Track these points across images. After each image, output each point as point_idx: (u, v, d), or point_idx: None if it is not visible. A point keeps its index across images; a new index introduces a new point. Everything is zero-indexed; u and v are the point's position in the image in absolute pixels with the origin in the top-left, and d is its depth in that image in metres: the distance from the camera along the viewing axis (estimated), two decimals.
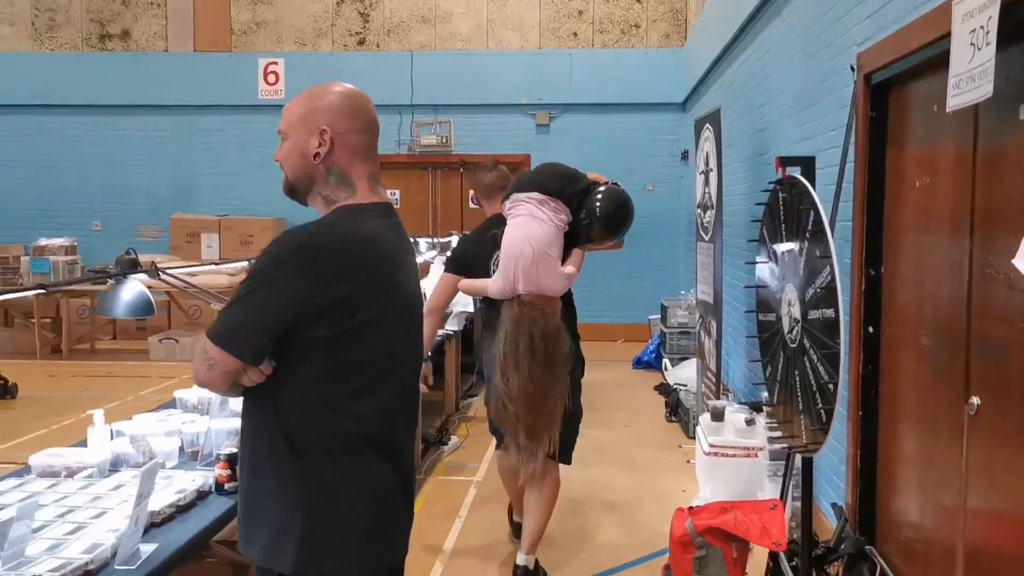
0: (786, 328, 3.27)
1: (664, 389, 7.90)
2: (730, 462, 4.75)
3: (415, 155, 11.31)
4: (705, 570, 3.56)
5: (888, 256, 3.61)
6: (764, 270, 3.66)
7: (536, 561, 3.97)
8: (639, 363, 9.24)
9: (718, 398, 5.56)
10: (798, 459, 4.18)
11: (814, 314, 2.95)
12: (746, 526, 3.60)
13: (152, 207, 11.50)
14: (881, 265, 3.65)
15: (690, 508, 3.82)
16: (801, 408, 3.08)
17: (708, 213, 5.86)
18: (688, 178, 10.48)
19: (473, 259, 4.06)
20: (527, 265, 3.53)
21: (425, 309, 3.35)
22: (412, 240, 2.75)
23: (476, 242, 4.14)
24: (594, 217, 3.63)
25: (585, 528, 4.70)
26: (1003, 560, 2.62)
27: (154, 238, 11.39)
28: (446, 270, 4.17)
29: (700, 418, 5.26)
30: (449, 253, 4.74)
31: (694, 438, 6.23)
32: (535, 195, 3.61)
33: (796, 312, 3.16)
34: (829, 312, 2.81)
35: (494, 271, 3.77)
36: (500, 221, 3.79)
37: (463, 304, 6.16)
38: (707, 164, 6.10)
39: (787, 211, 3.34)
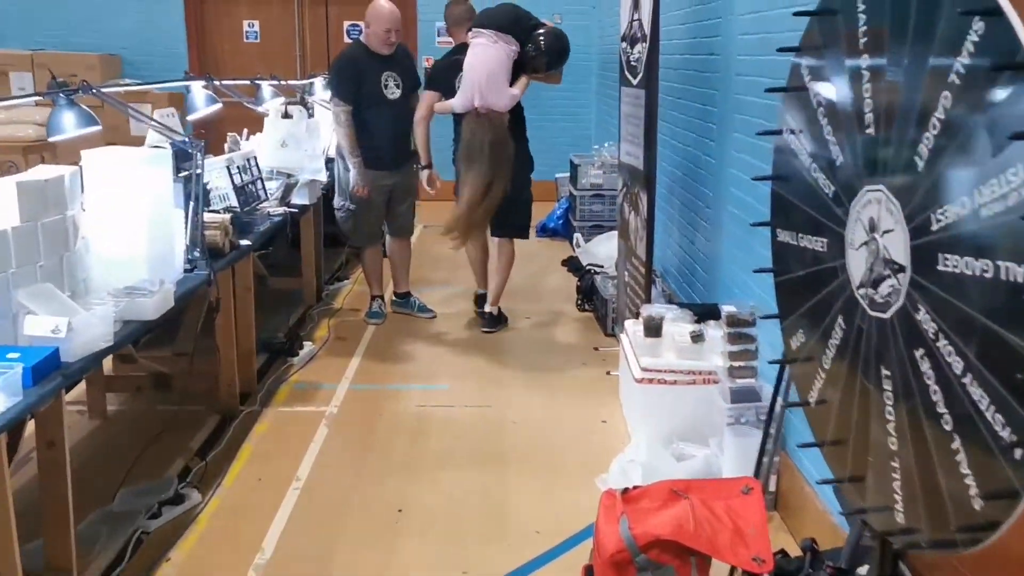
0: (860, 279, 1.80)
1: (574, 266, 6.61)
2: (671, 392, 3.51)
3: None
4: None
5: None
6: (802, 139, 2.21)
7: (499, 308, 5.34)
8: (543, 230, 7.90)
9: (647, 295, 4.28)
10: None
11: (975, 265, 1.38)
12: (710, 532, 2.36)
13: None
14: None
15: (624, 492, 2.55)
16: (898, 453, 1.71)
17: (637, 48, 4.39)
18: (604, 7, 8.87)
19: (442, 79, 5.04)
20: (482, 84, 4.66)
21: (415, 120, 4.98)
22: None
23: (444, 65, 5.20)
24: (538, 51, 4.80)
25: (474, 501, 3.43)
26: None
27: None
28: (426, 88, 5.14)
29: (626, 327, 3.97)
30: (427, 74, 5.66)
31: (613, 336, 5.00)
32: (491, 31, 4.70)
33: (901, 249, 1.62)
34: None
35: (458, 88, 4.82)
36: (463, 49, 4.90)
37: (311, 172, 4.64)
38: None
39: None
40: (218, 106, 4.18)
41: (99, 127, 3.04)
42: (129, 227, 2.67)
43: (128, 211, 2.68)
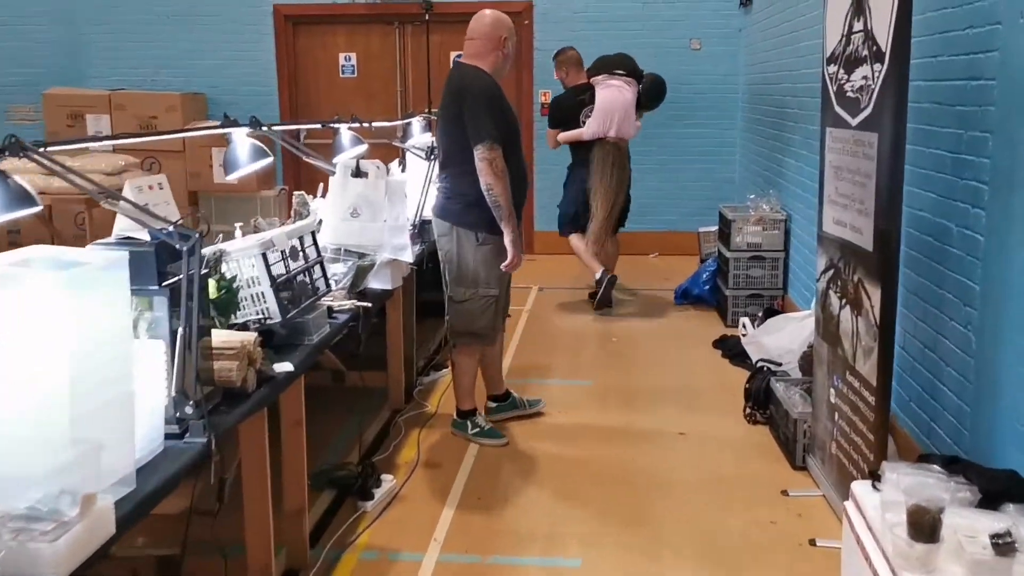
0: None
1: (730, 350, 5.20)
2: None
3: (376, 3, 8.29)
4: None
5: None
6: None
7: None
8: (685, 296, 6.49)
9: (880, 445, 2.84)
10: None
11: None
12: None
13: (26, 79, 8.57)
14: None
15: None
16: None
17: (860, 72, 2.99)
18: (752, 31, 7.48)
19: (570, 115, 6.33)
20: (620, 118, 6.17)
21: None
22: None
23: (573, 103, 6.36)
24: (644, 94, 6.38)
25: None
26: None
27: (32, 120, 8.52)
28: (551, 125, 6.51)
29: (855, 494, 2.54)
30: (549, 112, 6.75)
31: (804, 469, 3.59)
32: (624, 75, 6.29)
33: None
34: None
35: (583, 123, 6.23)
36: (585, 88, 6.34)
37: (395, 249, 3.38)
38: None
39: None
40: (268, 161, 3.00)
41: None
42: (22, 398, 1.46)
43: (24, 369, 1.47)
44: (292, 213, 4.11)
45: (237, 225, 3.91)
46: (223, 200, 8.16)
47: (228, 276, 2.54)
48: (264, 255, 2.56)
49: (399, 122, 5.44)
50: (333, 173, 3.13)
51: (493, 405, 4.21)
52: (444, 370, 4.90)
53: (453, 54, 8.32)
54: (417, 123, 5.53)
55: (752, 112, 7.43)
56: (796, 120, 5.67)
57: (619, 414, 4.37)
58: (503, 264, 3.72)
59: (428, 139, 5.40)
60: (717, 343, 5.43)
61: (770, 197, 5.95)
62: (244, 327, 2.44)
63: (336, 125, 4.19)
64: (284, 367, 2.46)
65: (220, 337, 2.20)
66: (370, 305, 3.11)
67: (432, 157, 4.31)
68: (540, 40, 8.18)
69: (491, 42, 3.74)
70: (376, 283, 3.43)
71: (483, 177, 3.59)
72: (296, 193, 4.11)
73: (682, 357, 5.28)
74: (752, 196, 6.15)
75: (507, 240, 3.67)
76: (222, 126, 3.15)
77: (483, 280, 3.79)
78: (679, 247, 8.08)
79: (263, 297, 2.56)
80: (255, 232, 3.54)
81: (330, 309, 3.03)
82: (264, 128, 3.15)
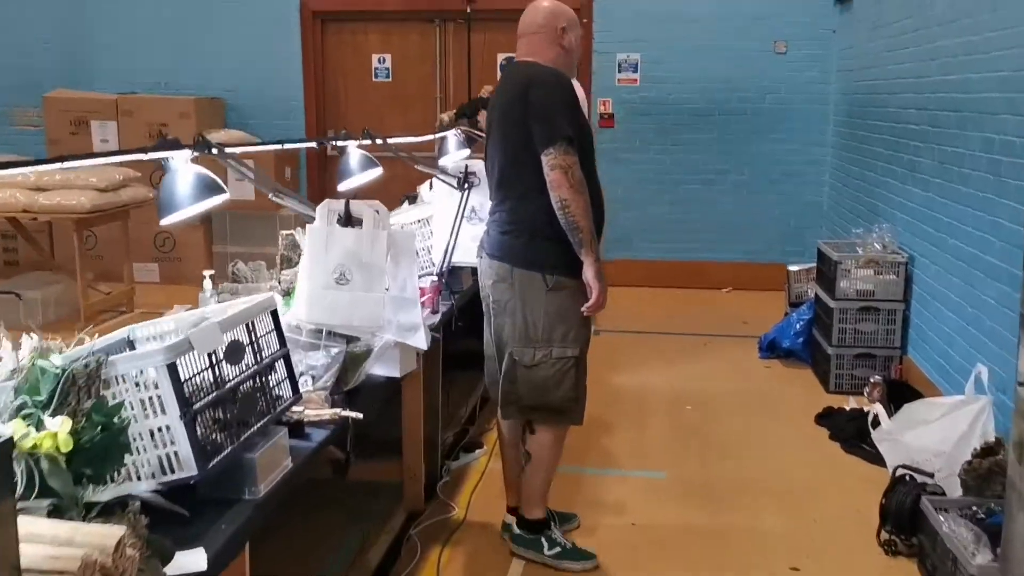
0: None
1: (839, 428, 4.12)
2: None
3: None
4: None
5: None
6: None
7: None
8: (771, 349, 5.39)
9: None
10: None
11: None
12: None
13: (29, 80, 7.74)
14: None
15: None
16: None
17: None
18: (847, 30, 6.36)
19: None
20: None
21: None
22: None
23: None
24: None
25: None
26: None
27: (36, 126, 7.68)
28: None
29: None
30: None
31: None
32: None
33: None
34: None
35: None
36: None
37: (403, 328, 2.32)
38: None
39: None
40: (377, 172, 2.04)
41: None
42: None
43: None
44: (279, 260, 3.13)
45: (207, 284, 2.96)
46: (240, 218, 7.26)
47: (111, 400, 1.55)
48: (173, 365, 1.56)
49: (425, 137, 4.42)
50: (311, 219, 2.10)
51: (515, 529, 3.12)
52: (478, 451, 3.88)
53: (500, 56, 7.33)
54: (453, 138, 4.53)
55: (849, 127, 6.30)
56: (924, 139, 4.55)
57: (705, 532, 3.30)
58: (585, 305, 2.76)
59: (464, 156, 4.40)
60: (821, 419, 4.33)
61: (882, 233, 4.83)
62: (119, 505, 1.44)
63: (342, 142, 3.21)
64: (190, 564, 1.45)
65: (42, 545, 1.20)
66: (361, 416, 2.09)
67: (467, 186, 3.29)
68: (600, 43, 7.14)
69: (548, 35, 2.87)
70: (379, 369, 2.41)
71: (556, 190, 2.66)
72: (285, 234, 3.13)
73: (778, 437, 4.19)
74: (859, 231, 5.04)
75: (588, 273, 2.73)
76: (157, 147, 2.17)
77: (559, 336, 2.82)
78: (757, 281, 6.98)
79: (167, 436, 1.56)
80: (217, 299, 2.57)
81: (300, 424, 2.02)
82: (213, 151, 2.15)
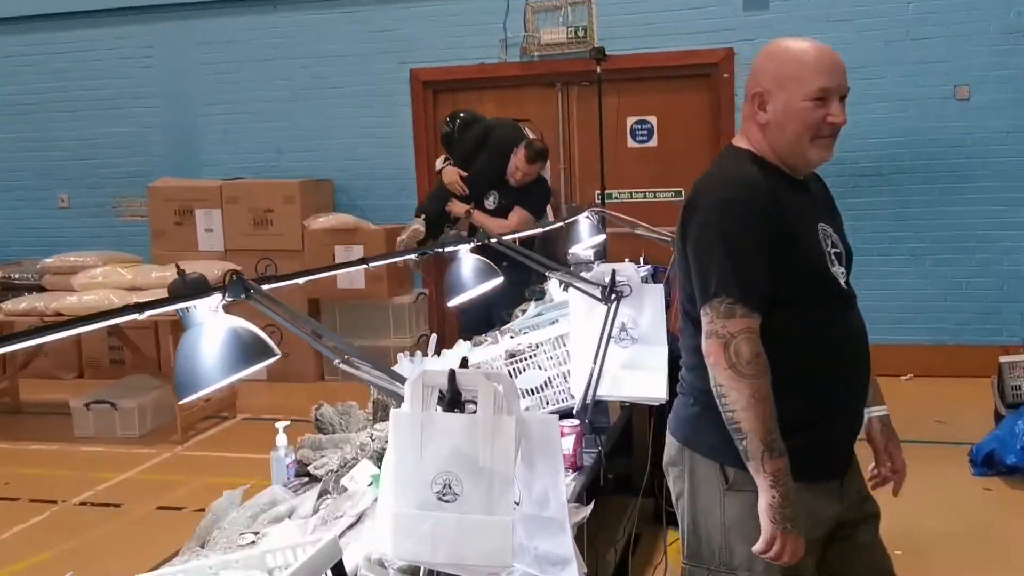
0: None
1: None
2: None
3: (532, 62, 6.65)
4: None
5: None
6: None
7: None
8: (988, 464, 4.31)
9: None
10: None
11: None
12: None
13: (137, 170, 7.44)
14: None
15: None
16: None
17: None
18: None
19: None
20: None
21: None
22: None
23: None
24: None
25: None
26: None
27: (143, 216, 7.33)
28: None
29: None
30: None
31: None
32: None
33: None
34: None
35: None
36: None
37: (543, 562, 1.55)
38: None
39: None
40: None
41: None
42: None
43: None
44: (372, 407, 2.39)
45: (280, 439, 2.27)
46: (349, 308, 6.67)
47: None
48: None
49: (545, 228, 3.61)
50: (397, 402, 1.35)
51: None
52: None
53: (631, 120, 6.56)
54: (586, 223, 3.74)
55: None
56: None
57: None
58: (755, 546, 1.80)
59: (598, 243, 3.60)
60: None
61: None
62: None
63: (449, 247, 2.46)
64: None
65: None
66: None
67: (614, 297, 2.48)
68: (742, 98, 6.28)
69: (749, 99, 1.95)
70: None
71: (712, 368, 1.79)
72: (304, 441, 2.39)
73: None
74: None
75: (761, 502, 1.77)
76: (174, 290, 1.45)
77: (739, 560, 1.87)
78: (946, 366, 5.90)
79: None
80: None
81: None
82: (251, 294, 1.43)
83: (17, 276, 5.80)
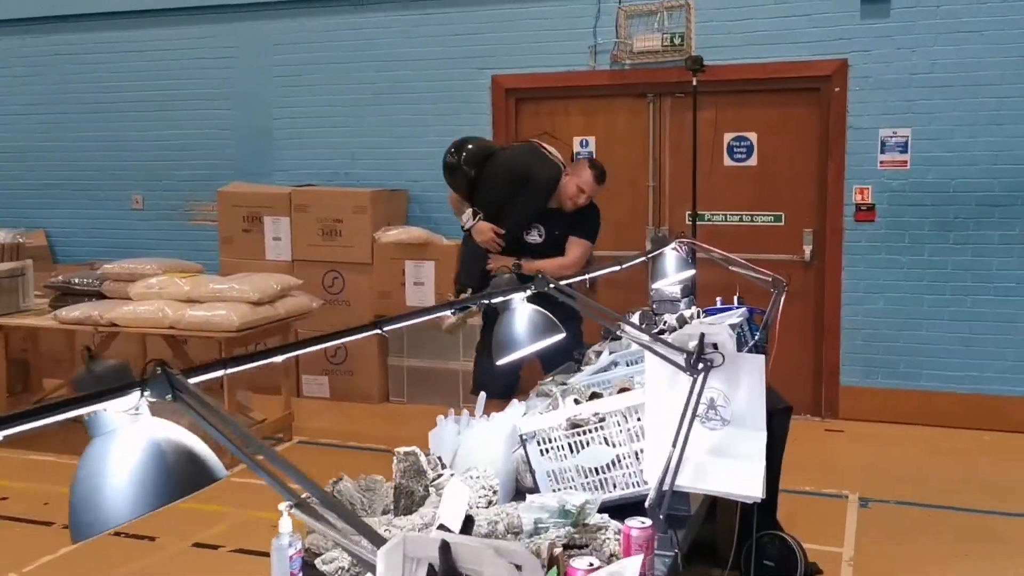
0: None
1: None
2: None
3: (623, 70, 6.16)
4: None
5: None
6: None
7: None
8: None
9: None
10: None
11: None
12: None
13: (209, 173, 7.22)
14: None
15: None
16: None
17: None
18: None
19: None
20: None
21: None
22: None
23: None
24: None
25: None
26: None
27: (214, 222, 7.10)
28: None
29: None
30: None
31: None
32: None
33: None
34: None
35: None
36: None
37: None
38: None
39: None
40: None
41: None
42: None
43: None
44: (395, 493, 1.95)
45: (284, 523, 1.86)
46: (417, 330, 6.30)
47: None
48: None
49: (623, 266, 3.06)
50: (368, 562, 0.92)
51: None
52: None
53: (728, 136, 6.01)
54: (672, 257, 3.24)
55: None
56: None
57: None
58: None
59: (688, 278, 3.10)
60: None
61: None
62: None
63: (498, 298, 2.02)
64: None
65: None
66: None
67: (701, 367, 1.98)
68: (857, 116, 5.67)
69: None
70: None
71: None
72: (402, 452, 1.96)
73: None
74: None
75: None
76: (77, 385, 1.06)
77: None
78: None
79: None
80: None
81: None
82: (177, 395, 1.00)
83: (77, 281, 5.58)
